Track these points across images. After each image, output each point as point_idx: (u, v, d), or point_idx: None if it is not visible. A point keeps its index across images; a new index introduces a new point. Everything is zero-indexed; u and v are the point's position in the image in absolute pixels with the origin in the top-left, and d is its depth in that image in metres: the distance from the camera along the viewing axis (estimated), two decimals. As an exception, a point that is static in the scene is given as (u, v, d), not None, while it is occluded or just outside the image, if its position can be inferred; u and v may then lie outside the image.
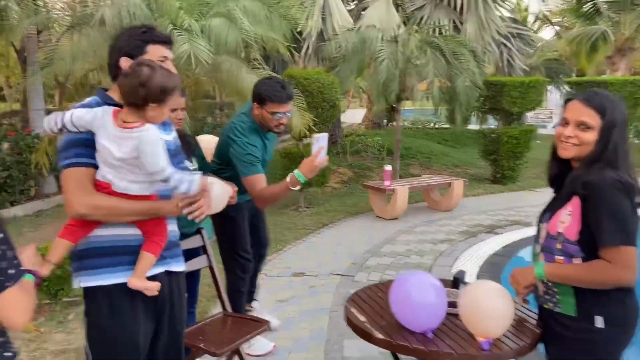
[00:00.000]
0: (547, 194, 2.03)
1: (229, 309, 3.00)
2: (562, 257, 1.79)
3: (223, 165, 3.10)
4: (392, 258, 5.31)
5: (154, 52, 1.81)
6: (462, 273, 2.36)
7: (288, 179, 2.60)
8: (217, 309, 3.98)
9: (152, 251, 1.79)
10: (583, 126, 1.77)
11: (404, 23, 9.93)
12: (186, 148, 2.60)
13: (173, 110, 2.65)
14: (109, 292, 1.77)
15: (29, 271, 1.40)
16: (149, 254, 1.78)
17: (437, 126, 16.75)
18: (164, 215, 1.81)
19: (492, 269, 4.98)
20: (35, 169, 7.24)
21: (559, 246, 1.79)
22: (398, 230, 6.41)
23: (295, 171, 2.58)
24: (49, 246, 3.98)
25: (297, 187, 2.62)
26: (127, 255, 1.78)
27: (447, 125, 16.53)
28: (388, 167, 7.03)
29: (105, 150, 1.68)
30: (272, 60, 10.43)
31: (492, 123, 11.41)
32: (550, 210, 1.89)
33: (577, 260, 1.76)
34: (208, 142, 3.66)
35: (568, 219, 1.77)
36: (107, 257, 1.77)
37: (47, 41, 6.61)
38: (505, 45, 13.08)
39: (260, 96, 2.91)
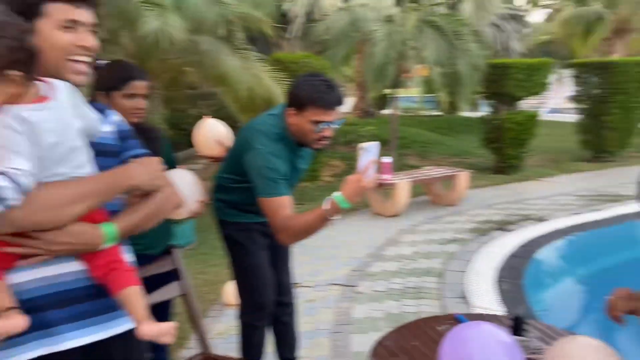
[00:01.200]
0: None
1: (212, 349, 2.37)
2: None
3: (237, 176, 2.33)
4: (398, 262, 4.71)
5: (56, 12, 1.22)
6: (523, 311, 1.75)
7: (325, 205, 1.89)
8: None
9: (130, 283, 1.24)
10: None
11: (397, 1, 9.28)
12: (152, 145, 2.00)
13: (131, 95, 2.01)
14: None
15: None
16: (129, 287, 1.23)
17: (428, 113, 16.17)
18: (126, 188, 1.28)
19: (512, 273, 4.41)
20: None
21: None
22: (401, 229, 5.81)
23: (335, 194, 1.87)
24: None
25: (338, 217, 1.91)
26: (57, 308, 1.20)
27: (439, 113, 15.96)
28: (387, 159, 6.37)
29: None
30: (256, 44, 9.73)
31: (484, 110, 10.82)
32: None
33: None
34: (211, 131, 2.55)
35: None
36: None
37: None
38: (498, 27, 12.55)
39: (299, 98, 2.11)
